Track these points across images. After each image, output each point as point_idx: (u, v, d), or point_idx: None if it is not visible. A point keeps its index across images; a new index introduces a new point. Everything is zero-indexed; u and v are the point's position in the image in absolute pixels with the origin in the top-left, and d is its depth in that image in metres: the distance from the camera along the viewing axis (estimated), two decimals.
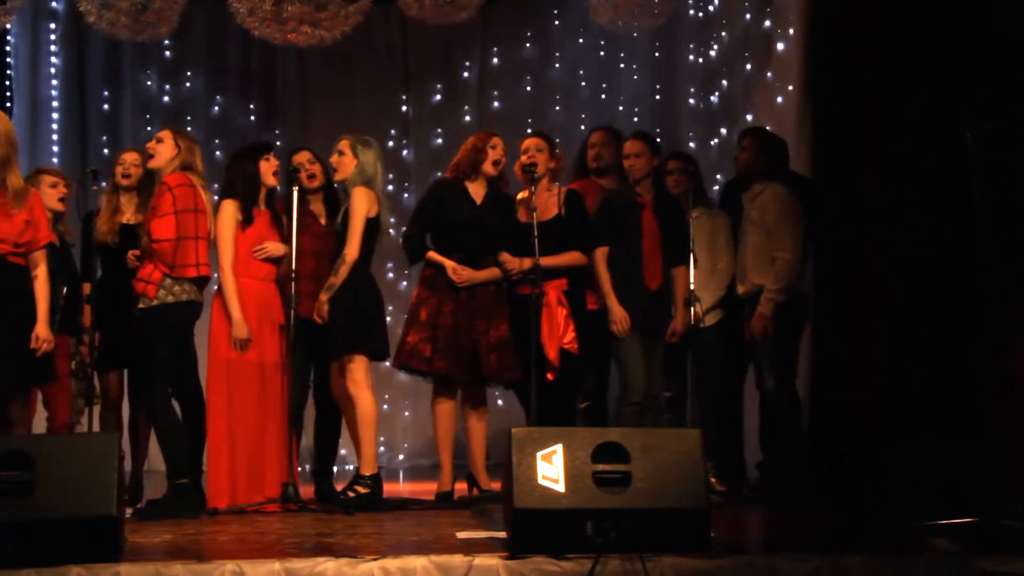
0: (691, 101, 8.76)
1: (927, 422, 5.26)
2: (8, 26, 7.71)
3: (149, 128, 8.89)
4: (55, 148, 8.98)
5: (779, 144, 6.14)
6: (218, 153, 9.07)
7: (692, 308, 5.64)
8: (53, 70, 9.01)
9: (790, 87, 6.93)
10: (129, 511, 4.96)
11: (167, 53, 9.24)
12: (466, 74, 9.55)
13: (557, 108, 9.48)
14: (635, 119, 9.12)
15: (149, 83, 9.26)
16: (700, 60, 8.61)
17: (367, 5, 7.01)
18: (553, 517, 3.78)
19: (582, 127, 9.23)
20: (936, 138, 5.27)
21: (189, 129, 9.09)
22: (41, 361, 5.02)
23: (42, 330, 4.96)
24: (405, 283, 9.03)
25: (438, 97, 9.52)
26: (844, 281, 5.91)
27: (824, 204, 6.03)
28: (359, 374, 5.57)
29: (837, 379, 5.91)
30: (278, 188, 5.80)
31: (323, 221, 5.93)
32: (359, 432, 5.64)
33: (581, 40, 9.49)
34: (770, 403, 5.88)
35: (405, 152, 9.45)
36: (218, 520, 5.17)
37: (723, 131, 8.13)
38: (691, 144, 8.52)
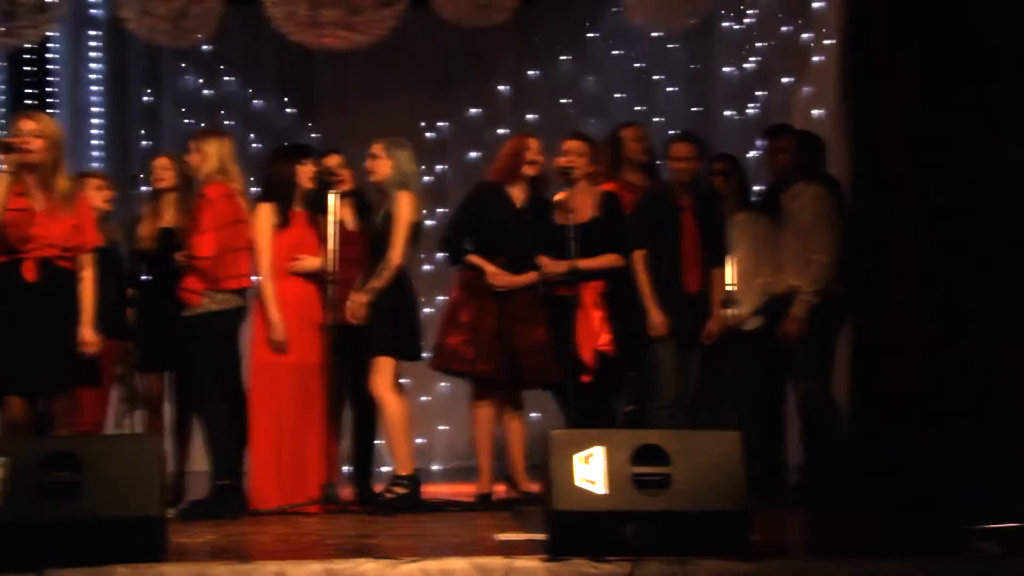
0: (727, 113, 8.72)
1: (973, 424, 5.20)
2: (50, 33, 7.79)
3: (188, 132, 8.98)
4: (96, 153, 9.07)
5: (817, 143, 6.12)
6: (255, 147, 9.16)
7: (730, 311, 5.62)
8: (94, 76, 9.11)
9: (828, 98, 6.87)
10: (172, 512, 5.00)
11: (205, 56, 9.30)
12: (501, 88, 9.55)
13: (592, 122, 9.44)
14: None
15: (188, 86, 9.33)
16: (736, 72, 8.57)
17: (402, 9, 7.03)
18: (592, 519, 3.79)
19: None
20: (977, 141, 5.23)
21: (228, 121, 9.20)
22: (87, 364, 5.09)
23: (87, 333, 5.03)
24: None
25: (473, 112, 9.52)
26: (884, 282, 5.87)
27: (863, 205, 5.98)
28: (386, 376, 5.60)
29: (878, 380, 5.86)
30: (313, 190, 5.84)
31: (350, 227, 5.95)
32: (389, 434, 5.67)
33: (616, 54, 9.46)
34: (805, 405, 5.85)
35: (439, 168, 9.45)
36: (259, 521, 5.21)
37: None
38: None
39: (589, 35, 9.53)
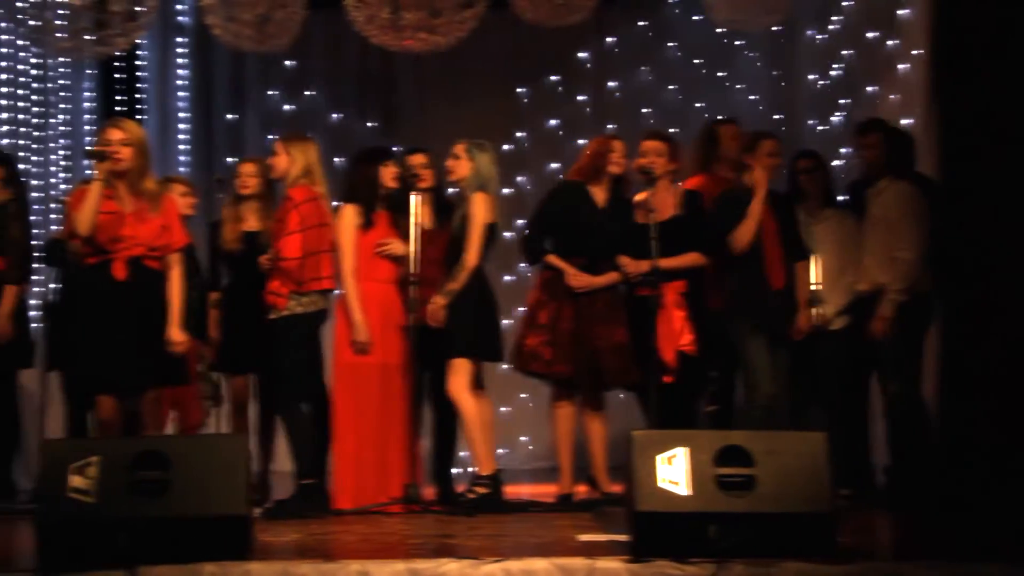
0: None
1: None
2: (139, 41, 7.96)
3: (270, 136, 9.15)
4: (183, 158, 9.24)
5: (906, 140, 6.01)
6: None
7: (816, 310, 5.54)
8: (181, 82, 9.29)
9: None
10: (257, 511, 5.08)
11: (287, 62, 9.42)
12: (581, 57, 9.51)
13: (673, 91, 9.37)
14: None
15: (271, 92, 9.47)
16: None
17: (482, 10, 7.06)
18: (676, 520, 3.76)
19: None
20: None
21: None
22: (174, 362, 5.20)
23: (175, 332, 5.14)
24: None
25: (553, 83, 9.50)
26: (975, 281, 5.74)
27: (952, 203, 5.86)
28: (462, 378, 5.61)
29: (968, 381, 5.74)
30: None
31: (428, 226, 5.97)
32: (467, 435, 5.69)
33: (697, 21, 9.35)
34: (893, 406, 5.76)
35: (519, 135, 9.44)
36: (343, 520, 5.26)
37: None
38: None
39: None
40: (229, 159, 9.15)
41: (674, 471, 3.79)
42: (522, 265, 8.21)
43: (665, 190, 5.83)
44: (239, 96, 9.47)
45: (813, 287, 5.77)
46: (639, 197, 5.87)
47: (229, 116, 9.42)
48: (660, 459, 3.81)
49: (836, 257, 5.91)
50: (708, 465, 3.80)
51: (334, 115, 9.54)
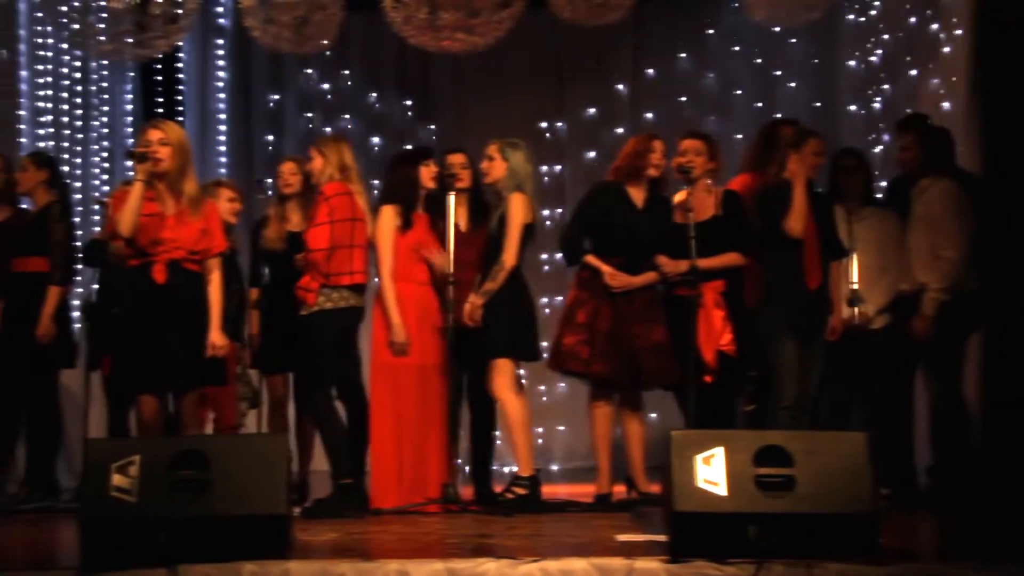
0: (851, 108, 8.52)
1: None
2: (180, 43, 8.03)
3: (311, 125, 9.24)
4: (223, 159, 9.30)
5: (944, 136, 5.93)
6: (376, 148, 9.33)
7: (857, 309, 5.49)
8: (221, 84, 9.35)
9: (957, 91, 6.64)
10: (296, 510, 5.10)
11: (327, 61, 9.46)
12: (619, 87, 9.48)
13: (712, 122, 9.31)
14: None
15: (310, 92, 9.52)
16: (860, 66, 8.37)
17: (520, 9, 7.05)
18: (714, 521, 3.74)
19: (736, 137, 9.03)
20: None
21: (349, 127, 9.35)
22: (213, 363, 5.24)
23: (216, 336, 5.17)
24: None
25: (591, 112, 9.48)
26: (1018, 280, 5.67)
27: (996, 201, 5.79)
28: (506, 378, 5.62)
29: (1012, 381, 5.67)
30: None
31: (464, 228, 5.98)
32: (511, 435, 5.70)
33: (736, 51, 9.32)
34: (935, 406, 5.69)
35: (559, 169, 9.44)
36: (381, 520, 5.28)
37: (885, 138, 7.88)
38: None
39: (708, 33, 9.40)
40: (270, 159, 9.21)
41: (713, 471, 3.77)
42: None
43: (704, 190, 5.80)
44: (279, 95, 9.52)
45: (852, 286, 5.73)
46: (678, 197, 5.85)
47: (270, 114, 9.48)
48: (699, 459, 3.78)
49: (877, 256, 5.86)
50: (747, 465, 3.78)
51: (373, 108, 9.54)
